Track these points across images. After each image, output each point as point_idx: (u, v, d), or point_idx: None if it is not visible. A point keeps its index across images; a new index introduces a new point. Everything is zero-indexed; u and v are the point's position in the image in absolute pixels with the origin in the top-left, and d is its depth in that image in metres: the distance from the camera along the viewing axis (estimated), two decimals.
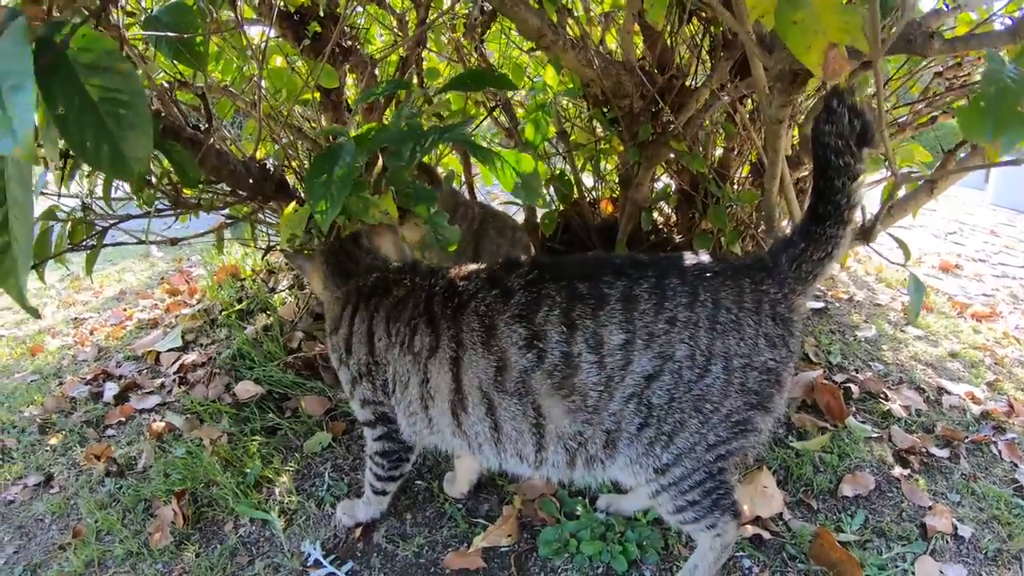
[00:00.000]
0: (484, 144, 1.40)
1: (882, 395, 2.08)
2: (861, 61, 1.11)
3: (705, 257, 1.22)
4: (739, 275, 1.17)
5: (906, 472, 1.77)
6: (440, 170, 2.99)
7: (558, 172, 2.58)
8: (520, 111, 2.72)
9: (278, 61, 2.35)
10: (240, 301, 2.79)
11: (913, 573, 1.47)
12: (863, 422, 1.95)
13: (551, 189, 2.51)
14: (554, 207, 2.62)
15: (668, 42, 2.19)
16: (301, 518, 1.70)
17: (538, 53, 2.49)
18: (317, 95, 2.27)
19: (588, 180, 2.89)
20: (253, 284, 2.98)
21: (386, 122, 2.33)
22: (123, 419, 2.23)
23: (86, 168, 1.88)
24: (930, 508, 1.64)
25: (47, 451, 2.11)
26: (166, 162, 1.72)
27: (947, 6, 1.49)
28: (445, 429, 1.32)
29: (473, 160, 2.81)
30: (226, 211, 2.11)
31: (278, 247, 2.48)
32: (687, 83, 2.23)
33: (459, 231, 1.59)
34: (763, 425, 1.21)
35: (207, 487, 1.81)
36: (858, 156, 1.09)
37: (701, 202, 2.39)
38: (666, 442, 1.17)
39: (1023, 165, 1.16)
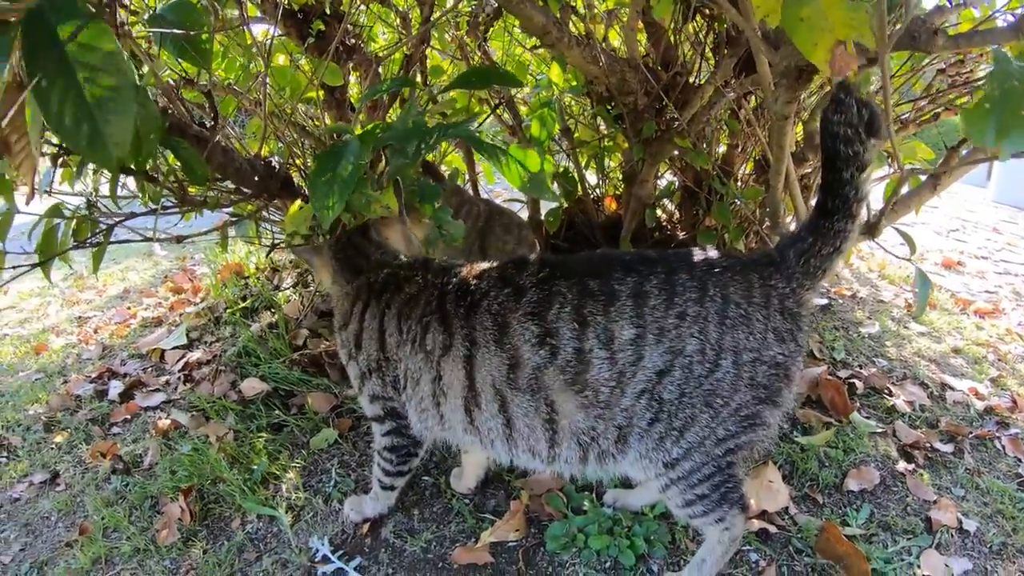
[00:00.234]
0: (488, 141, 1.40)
1: (886, 391, 2.09)
2: (867, 57, 1.12)
3: (713, 252, 1.23)
4: (748, 270, 1.18)
5: (911, 467, 1.78)
6: (444, 168, 3.00)
7: (562, 169, 2.59)
8: (524, 109, 2.72)
9: (282, 59, 2.35)
10: (244, 299, 2.80)
11: (919, 567, 1.47)
12: (867, 417, 1.96)
13: (555, 185, 2.52)
14: (558, 202, 2.62)
15: (672, 39, 2.19)
16: (308, 514, 1.70)
17: (541, 50, 2.49)
18: (321, 93, 2.27)
19: (592, 177, 2.90)
20: (257, 282, 2.98)
21: (390, 120, 2.33)
22: (128, 417, 2.23)
23: (92, 166, 1.88)
24: (935, 502, 1.65)
25: (53, 449, 2.11)
26: (172, 159, 1.73)
27: (950, 2, 1.49)
28: (457, 426, 1.33)
29: (476, 158, 2.82)
30: (230, 209, 2.11)
31: (282, 244, 2.49)
32: (691, 80, 2.23)
33: (463, 227, 1.60)
34: (771, 419, 1.21)
35: (214, 484, 1.81)
36: (866, 145, 1.09)
37: (705, 199, 2.39)
38: (677, 437, 1.18)
39: None
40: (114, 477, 1.93)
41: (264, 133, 1.97)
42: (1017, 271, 3.49)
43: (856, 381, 2.11)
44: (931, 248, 3.80)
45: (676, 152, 2.26)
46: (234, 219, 2.20)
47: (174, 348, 2.56)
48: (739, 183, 2.43)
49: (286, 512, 1.69)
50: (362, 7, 2.33)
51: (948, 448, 1.85)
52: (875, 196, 1.31)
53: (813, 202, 1.24)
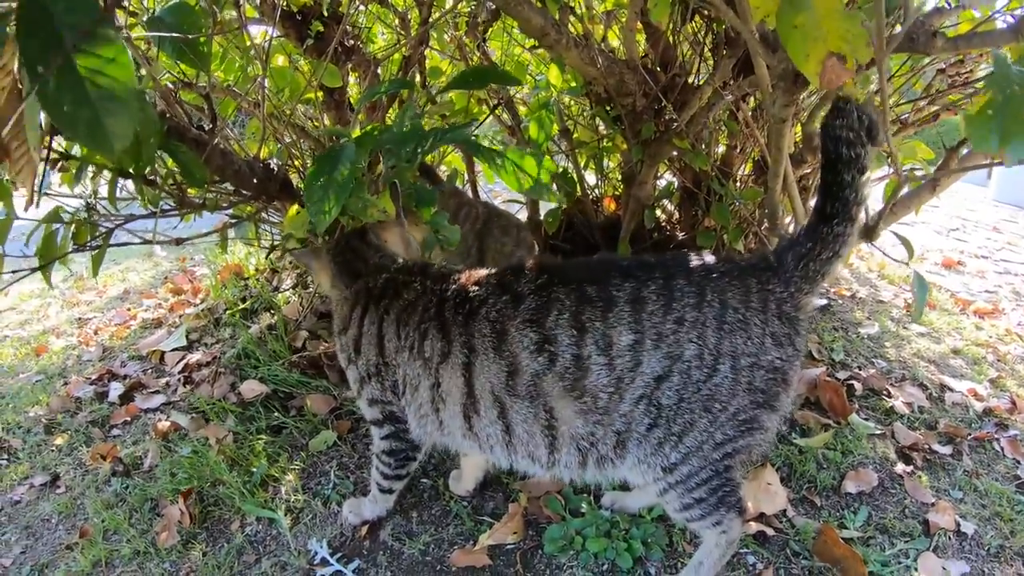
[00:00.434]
0: (487, 144, 1.40)
1: (885, 392, 2.09)
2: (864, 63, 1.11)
3: (711, 257, 1.23)
4: (745, 275, 1.18)
5: (909, 469, 1.78)
6: (443, 168, 3.00)
7: (561, 170, 2.58)
8: (523, 109, 2.72)
9: (281, 60, 2.35)
10: (244, 300, 2.80)
11: (916, 570, 1.48)
12: (866, 419, 1.96)
13: (554, 186, 2.51)
14: (558, 204, 2.62)
15: (671, 40, 2.18)
16: (307, 516, 1.71)
17: (540, 50, 2.49)
18: (320, 94, 2.27)
19: (591, 178, 2.89)
20: (257, 283, 2.98)
21: (388, 121, 2.33)
22: (128, 419, 2.23)
23: (91, 169, 1.88)
24: (933, 505, 1.65)
25: (53, 451, 2.12)
26: (170, 162, 1.73)
27: (949, 4, 1.48)
28: (456, 431, 1.33)
29: (476, 159, 2.81)
30: (230, 211, 2.11)
31: (280, 247, 2.49)
32: (690, 81, 2.23)
33: (459, 231, 1.60)
34: (769, 423, 1.21)
35: (213, 486, 1.82)
36: (867, 148, 1.09)
37: (704, 199, 2.39)
38: (675, 442, 1.18)
39: None
40: (114, 479, 1.93)
41: (263, 134, 1.97)
42: (1017, 271, 3.49)
43: (855, 382, 2.11)
44: (931, 247, 3.80)
45: (675, 153, 2.26)
46: (233, 221, 2.21)
47: (174, 350, 2.57)
48: (738, 184, 2.43)
49: (285, 514, 1.70)
50: (361, 8, 2.33)
51: (947, 450, 1.85)
52: (874, 197, 1.31)
53: (811, 203, 1.24)
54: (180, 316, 2.95)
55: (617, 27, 2.31)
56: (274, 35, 1.97)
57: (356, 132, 1.51)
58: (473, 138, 1.51)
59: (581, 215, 2.71)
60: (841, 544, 1.48)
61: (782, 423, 1.85)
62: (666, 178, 2.79)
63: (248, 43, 1.92)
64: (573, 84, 2.33)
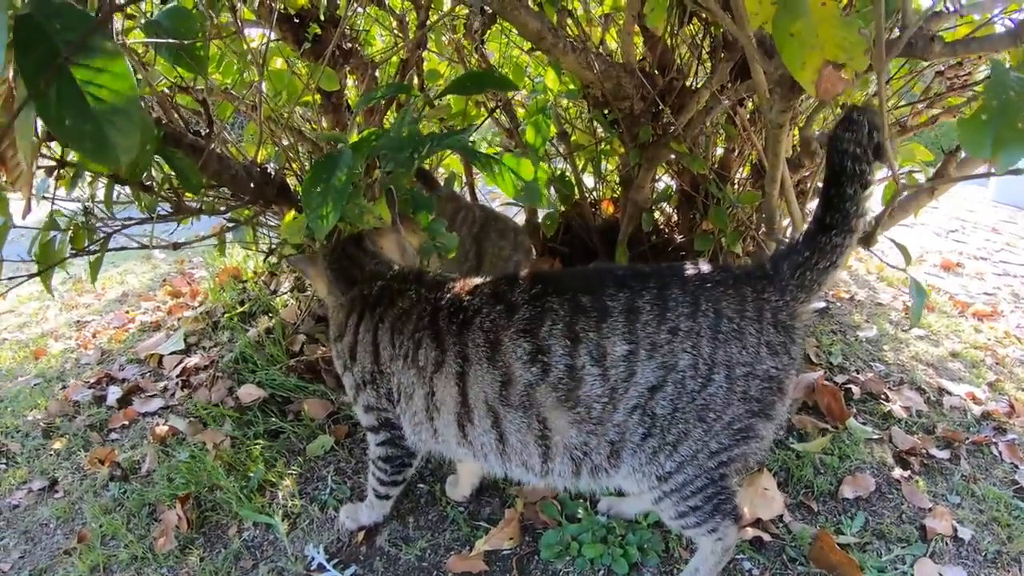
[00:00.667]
0: (484, 147, 1.40)
1: (883, 396, 2.08)
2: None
3: (706, 266, 1.23)
4: (740, 284, 1.18)
5: (906, 474, 1.78)
6: (441, 171, 3.00)
7: (559, 173, 2.58)
8: (521, 111, 2.71)
9: (278, 63, 2.35)
10: (242, 303, 2.80)
11: (913, 575, 1.48)
12: (864, 423, 1.95)
13: (551, 190, 2.51)
14: (554, 209, 2.62)
15: (668, 43, 2.18)
16: (304, 522, 1.71)
17: (538, 53, 2.48)
18: (318, 97, 2.26)
19: (589, 181, 2.89)
20: (255, 286, 2.98)
21: (387, 124, 2.33)
22: (126, 423, 2.23)
23: (88, 175, 1.88)
24: (930, 510, 1.65)
25: (51, 455, 2.12)
26: (166, 167, 1.72)
27: (947, 8, 1.48)
28: (451, 439, 1.33)
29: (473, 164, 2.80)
30: (228, 214, 2.11)
31: (277, 252, 2.49)
32: (687, 84, 2.22)
33: (456, 238, 1.60)
34: (765, 432, 1.21)
35: (211, 491, 1.82)
36: (873, 166, 1.09)
37: (702, 203, 2.39)
38: (670, 451, 1.18)
39: None
40: (112, 484, 1.93)
41: (260, 138, 1.97)
42: (1016, 272, 3.48)
43: (853, 386, 2.11)
44: (930, 249, 3.79)
45: (672, 156, 2.26)
46: (231, 224, 2.21)
47: (172, 353, 2.57)
48: (736, 187, 2.43)
49: (282, 520, 1.70)
50: (359, 10, 2.32)
51: (944, 455, 1.85)
52: (873, 198, 1.30)
53: (809, 207, 1.23)
54: (178, 319, 2.95)
55: (614, 30, 2.31)
56: (271, 38, 1.97)
57: (354, 136, 1.51)
58: (470, 144, 1.51)
59: (579, 218, 2.71)
60: (837, 550, 1.48)
61: (779, 430, 1.85)
62: (664, 181, 2.79)
63: (245, 47, 1.92)
64: (571, 87, 2.33)
